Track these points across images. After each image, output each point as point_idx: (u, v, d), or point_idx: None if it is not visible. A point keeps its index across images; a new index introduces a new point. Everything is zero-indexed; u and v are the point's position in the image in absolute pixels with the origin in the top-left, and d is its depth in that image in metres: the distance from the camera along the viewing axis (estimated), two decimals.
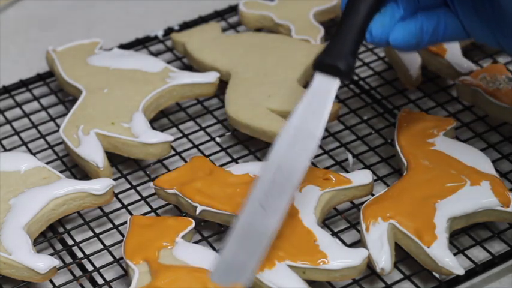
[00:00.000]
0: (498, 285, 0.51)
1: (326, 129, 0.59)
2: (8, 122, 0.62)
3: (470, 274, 0.50)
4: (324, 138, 0.59)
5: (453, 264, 0.49)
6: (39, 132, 0.61)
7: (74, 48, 0.64)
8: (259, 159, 0.58)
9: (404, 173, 0.54)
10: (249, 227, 0.47)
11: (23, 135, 0.61)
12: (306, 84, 0.62)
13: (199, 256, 0.50)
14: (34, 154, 0.58)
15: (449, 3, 0.50)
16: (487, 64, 0.63)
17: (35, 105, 0.63)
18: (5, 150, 0.59)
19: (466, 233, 0.53)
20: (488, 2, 0.48)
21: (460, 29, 0.50)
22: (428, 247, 0.50)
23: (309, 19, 0.65)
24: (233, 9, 0.69)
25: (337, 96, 0.62)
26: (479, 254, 0.52)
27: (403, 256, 0.51)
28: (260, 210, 0.47)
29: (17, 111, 0.63)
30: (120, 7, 0.73)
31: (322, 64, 0.48)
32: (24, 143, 0.60)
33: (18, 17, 0.72)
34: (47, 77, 0.65)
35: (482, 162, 0.55)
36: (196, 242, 0.52)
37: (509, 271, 0.52)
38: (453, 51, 0.61)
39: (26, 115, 0.62)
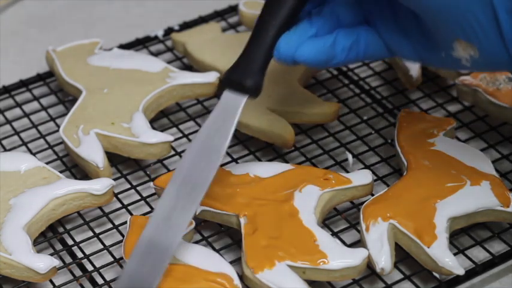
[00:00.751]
0: (498, 285, 0.51)
1: (326, 129, 0.59)
2: (8, 122, 0.62)
3: (470, 274, 0.50)
4: (324, 138, 0.59)
5: (453, 264, 0.49)
6: (39, 132, 0.61)
7: (74, 48, 0.64)
8: (259, 159, 0.58)
9: (404, 173, 0.54)
10: (152, 241, 0.47)
11: (23, 135, 0.61)
12: (306, 84, 0.62)
13: (199, 256, 0.50)
14: (34, 154, 0.58)
15: (370, 21, 0.50)
16: None
17: (35, 105, 0.63)
18: (5, 150, 0.59)
19: (466, 233, 0.53)
20: (408, 19, 0.48)
21: (381, 46, 0.50)
22: (428, 247, 0.50)
23: None
24: (233, 9, 0.69)
25: (337, 96, 0.62)
26: (479, 254, 0.52)
27: (403, 256, 0.51)
28: (163, 225, 0.48)
29: (17, 111, 0.63)
30: (120, 7, 0.73)
31: (230, 81, 0.49)
32: (24, 143, 0.60)
33: (18, 17, 0.72)
34: (47, 77, 0.65)
35: (482, 162, 0.55)
36: (196, 242, 0.52)
37: (509, 271, 0.52)
38: None
39: (26, 115, 0.62)
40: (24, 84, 0.64)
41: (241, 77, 0.49)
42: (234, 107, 0.49)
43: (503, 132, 0.59)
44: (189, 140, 0.60)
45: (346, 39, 0.49)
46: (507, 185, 0.55)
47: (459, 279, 0.50)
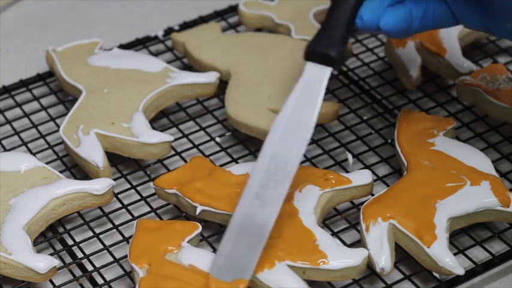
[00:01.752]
0: (498, 285, 0.51)
1: (326, 129, 0.59)
2: (8, 122, 0.62)
3: (470, 274, 0.50)
4: (324, 138, 0.59)
5: (453, 264, 0.49)
6: (39, 132, 0.61)
7: (74, 48, 0.64)
8: None
9: (404, 173, 0.54)
10: (246, 219, 0.47)
11: (23, 135, 0.61)
12: None
13: (205, 260, 0.50)
14: (34, 154, 0.59)
15: None
16: (487, 64, 0.63)
17: (35, 105, 0.63)
18: (5, 150, 0.60)
19: (466, 233, 0.53)
20: None
21: (448, 15, 0.50)
22: (428, 247, 0.50)
23: (309, 19, 0.65)
24: (233, 9, 0.69)
25: (337, 96, 0.62)
26: (479, 254, 0.52)
27: (403, 256, 0.51)
28: (257, 202, 0.47)
29: (17, 111, 0.63)
30: (120, 7, 0.73)
31: (314, 53, 0.48)
32: (24, 143, 0.60)
33: (18, 17, 0.72)
34: (47, 77, 0.65)
35: (482, 162, 0.55)
36: (199, 242, 0.52)
37: (509, 271, 0.52)
38: (453, 51, 0.62)
39: (26, 115, 0.62)
40: (24, 84, 0.64)
41: (325, 48, 0.48)
42: (319, 79, 0.48)
43: (503, 132, 0.59)
44: (189, 140, 0.60)
45: (418, 9, 0.50)
46: (507, 185, 0.55)
47: (459, 279, 0.50)
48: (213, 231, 0.54)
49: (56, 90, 0.64)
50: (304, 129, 0.48)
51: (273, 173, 0.48)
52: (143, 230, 0.51)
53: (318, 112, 0.48)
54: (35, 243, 0.52)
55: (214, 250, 0.52)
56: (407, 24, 0.49)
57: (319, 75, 0.48)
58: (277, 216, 0.47)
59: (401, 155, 0.55)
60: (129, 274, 0.51)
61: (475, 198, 0.52)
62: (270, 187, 0.47)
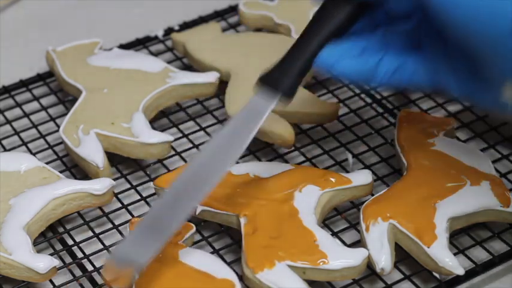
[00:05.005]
0: (498, 285, 0.51)
1: (326, 129, 0.59)
2: (8, 122, 0.62)
3: (470, 274, 0.50)
4: (323, 138, 0.59)
5: (453, 264, 0.49)
6: (39, 132, 0.61)
7: (74, 48, 0.64)
8: (259, 159, 0.58)
9: (404, 173, 0.54)
10: (157, 217, 0.48)
11: (23, 135, 0.61)
12: (306, 84, 0.61)
13: (203, 261, 0.50)
14: (34, 154, 0.58)
15: (421, 49, 0.49)
16: None
17: (35, 105, 0.63)
18: (5, 150, 0.59)
19: (466, 233, 0.53)
20: (457, 52, 0.47)
21: (427, 77, 0.48)
22: (428, 247, 0.50)
23: (309, 19, 0.65)
24: (233, 9, 0.69)
25: (337, 96, 0.62)
26: (479, 254, 0.52)
27: (403, 256, 0.51)
28: (171, 205, 0.48)
29: (17, 111, 0.63)
30: (120, 7, 0.73)
31: (265, 81, 0.49)
32: (24, 143, 0.60)
33: (18, 17, 0.72)
34: (47, 77, 0.65)
35: (482, 162, 0.55)
36: (196, 242, 0.53)
37: (509, 271, 0.52)
38: None
39: (26, 115, 0.62)
40: (24, 84, 0.64)
41: (275, 80, 0.49)
42: (262, 110, 0.49)
43: (503, 132, 0.59)
44: (189, 140, 0.60)
45: (391, 63, 0.48)
46: (507, 185, 0.55)
47: (459, 279, 0.50)
48: (213, 232, 0.54)
49: (56, 90, 0.64)
50: (231, 153, 0.49)
51: (192, 184, 0.48)
52: None
53: (251, 139, 0.49)
54: (35, 243, 0.52)
55: (214, 250, 0.52)
56: (367, 76, 0.48)
57: (263, 104, 0.49)
58: (182, 222, 0.48)
59: (401, 155, 0.55)
60: None
61: (475, 198, 0.52)
62: (186, 196, 0.48)
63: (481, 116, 0.60)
